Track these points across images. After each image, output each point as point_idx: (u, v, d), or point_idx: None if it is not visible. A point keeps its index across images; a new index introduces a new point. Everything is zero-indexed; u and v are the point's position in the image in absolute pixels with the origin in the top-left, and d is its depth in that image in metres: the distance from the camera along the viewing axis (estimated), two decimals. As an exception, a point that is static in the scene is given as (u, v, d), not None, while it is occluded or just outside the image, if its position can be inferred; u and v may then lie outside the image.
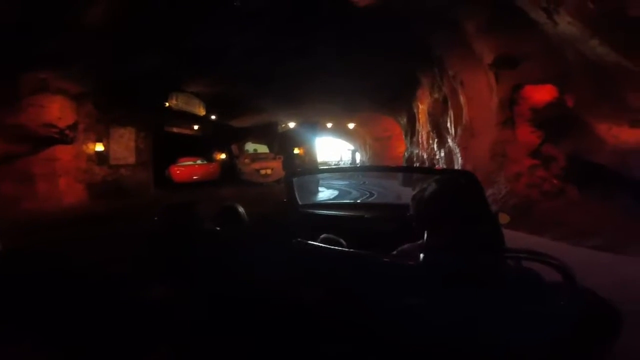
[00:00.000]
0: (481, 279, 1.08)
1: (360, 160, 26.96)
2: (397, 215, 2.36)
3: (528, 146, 6.25)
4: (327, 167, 25.03)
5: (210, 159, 17.47)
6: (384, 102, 15.30)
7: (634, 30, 3.68)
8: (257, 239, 1.81)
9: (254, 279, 1.49)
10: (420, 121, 12.92)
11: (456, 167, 8.38)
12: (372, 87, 12.69)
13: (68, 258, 4.17)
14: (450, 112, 8.89)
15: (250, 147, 22.40)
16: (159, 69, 9.86)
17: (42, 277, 3.38)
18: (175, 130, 15.64)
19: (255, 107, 15.85)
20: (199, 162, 16.23)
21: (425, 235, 1.24)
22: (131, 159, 11.93)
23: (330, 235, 1.79)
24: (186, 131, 16.46)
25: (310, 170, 13.06)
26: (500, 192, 6.36)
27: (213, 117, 16.31)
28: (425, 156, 12.19)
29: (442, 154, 10.08)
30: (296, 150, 20.98)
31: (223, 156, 18.64)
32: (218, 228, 2.10)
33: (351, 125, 22.41)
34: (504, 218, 1.77)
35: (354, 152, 28.61)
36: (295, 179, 2.72)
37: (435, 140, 10.76)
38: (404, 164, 15.32)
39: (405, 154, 15.85)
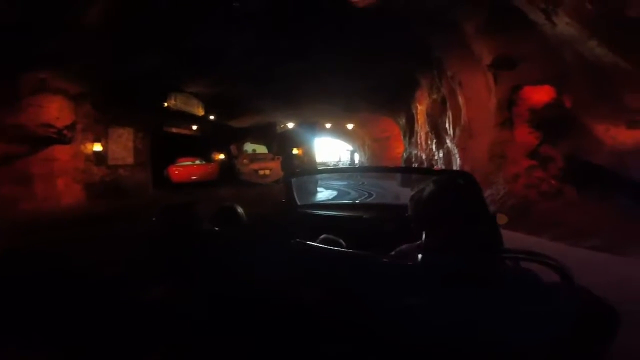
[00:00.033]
0: (479, 279, 1.08)
1: (358, 160, 26.98)
2: (396, 215, 2.36)
3: (526, 147, 6.27)
4: (325, 167, 25.04)
5: (208, 159, 17.46)
6: (383, 103, 15.32)
7: (632, 30, 3.70)
8: (256, 239, 1.81)
9: (252, 279, 1.49)
10: (419, 122, 12.94)
11: (454, 168, 8.40)
12: (371, 87, 12.71)
13: (67, 259, 4.16)
14: (449, 113, 8.91)
15: (249, 147, 22.39)
16: (157, 69, 9.86)
17: (41, 278, 3.37)
18: (174, 130, 15.63)
19: (254, 108, 15.85)
20: (197, 162, 16.21)
21: (424, 235, 1.24)
22: (129, 159, 11.91)
23: (330, 236, 1.79)
24: (185, 131, 16.44)
25: (309, 170, 13.09)
26: (499, 192, 6.37)
27: (212, 117, 16.29)
28: (423, 157, 12.22)
29: (441, 155, 10.10)
30: (295, 151, 20.99)
31: (222, 156, 18.62)
32: (217, 228, 2.10)
33: (350, 126, 22.43)
34: (502, 219, 1.78)
35: (352, 153, 28.65)
36: (294, 180, 2.73)
37: (434, 140, 10.78)
38: (403, 165, 15.34)
39: (404, 154, 15.88)
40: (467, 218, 1.23)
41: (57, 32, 6.83)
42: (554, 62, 5.53)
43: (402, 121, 15.95)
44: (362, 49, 9.24)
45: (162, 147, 13.62)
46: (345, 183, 16.64)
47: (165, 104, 13.06)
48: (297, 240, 1.47)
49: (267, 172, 16.60)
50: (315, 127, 21.85)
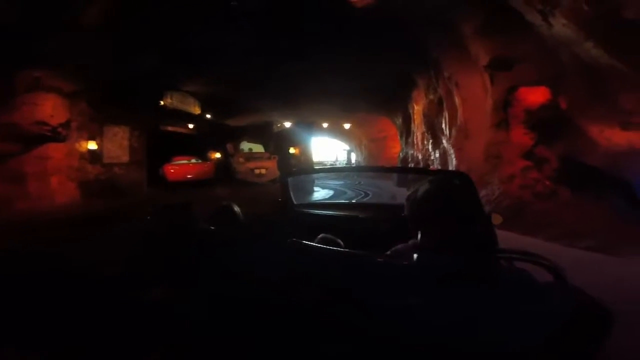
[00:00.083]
0: (475, 279, 1.08)
1: (355, 160, 27.01)
2: (392, 215, 2.36)
3: (522, 148, 6.30)
4: (322, 167, 25.05)
5: (204, 158, 17.39)
6: (380, 103, 15.35)
7: (628, 32, 3.72)
8: (252, 239, 1.80)
9: (249, 279, 1.49)
10: (416, 122, 12.97)
11: (450, 168, 8.43)
12: (369, 87, 12.73)
13: (64, 259, 4.13)
14: (445, 114, 8.94)
15: (245, 146, 22.35)
16: (154, 67, 9.81)
17: (39, 278, 3.36)
18: (169, 128, 15.56)
19: (251, 107, 15.82)
20: (193, 161, 16.14)
21: (419, 235, 1.24)
22: (125, 158, 11.83)
23: (328, 235, 1.79)
24: (181, 130, 16.37)
25: (305, 170, 13.07)
26: (494, 193, 6.40)
27: (208, 116, 16.24)
28: (420, 157, 12.25)
29: (437, 155, 10.13)
30: (292, 150, 20.97)
31: (218, 155, 18.56)
32: (212, 227, 2.09)
33: (347, 126, 22.45)
34: (497, 219, 1.79)
35: (349, 153, 28.66)
36: (290, 179, 2.72)
37: (430, 141, 10.81)
38: (399, 165, 15.38)
39: (401, 154, 15.91)
40: (462, 218, 1.23)
41: (55, 31, 6.81)
42: (550, 63, 5.56)
43: (399, 121, 15.98)
44: (360, 49, 9.25)
45: (158, 146, 13.55)
46: (341, 183, 16.65)
47: (162, 103, 13.00)
48: (294, 239, 1.47)
49: (263, 171, 16.57)
50: (312, 126, 21.85)
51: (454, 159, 8.35)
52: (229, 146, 19.53)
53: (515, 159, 6.34)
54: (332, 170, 23.07)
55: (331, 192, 13.37)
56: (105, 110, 10.70)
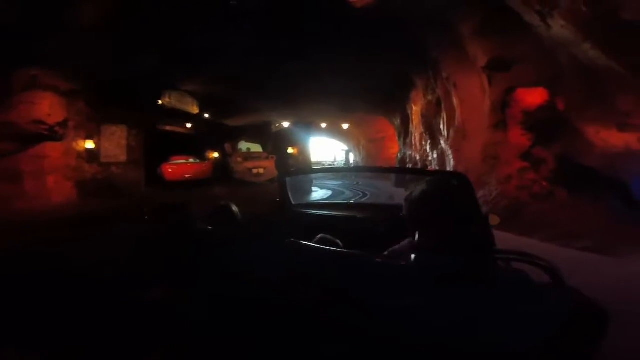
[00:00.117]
0: (472, 279, 1.09)
1: (354, 160, 27.03)
2: (390, 215, 2.37)
3: (519, 148, 6.32)
4: (320, 167, 25.06)
5: (202, 157, 17.36)
6: (379, 104, 15.37)
7: (626, 33, 3.74)
8: (250, 239, 1.80)
9: (247, 279, 1.49)
10: (414, 123, 13.00)
11: (448, 169, 8.45)
12: (367, 88, 12.74)
13: (63, 259, 4.10)
14: (444, 114, 8.96)
15: (243, 146, 22.34)
16: (152, 67, 9.78)
17: (39, 278, 3.34)
18: (168, 128, 15.52)
19: (249, 107, 15.80)
20: (191, 160, 16.11)
21: (417, 235, 1.25)
22: (122, 157, 11.80)
23: (327, 236, 1.79)
24: (179, 129, 16.33)
25: (303, 170, 13.07)
26: (491, 193, 6.42)
27: (206, 115, 16.21)
28: (418, 157, 12.27)
29: (435, 156, 10.15)
30: (290, 150, 20.97)
31: (216, 155, 18.54)
32: (210, 227, 2.09)
33: (345, 126, 22.46)
34: (494, 219, 1.79)
35: (347, 153, 28.68)
36: (288, 179, 2.72)
37: (428, 141, 10.83)
38: (397, 165, 15.40)
39: (399, 155, 15.94)
40: (460, 218, 1.23)
41: (53, 31, 6.80)
42: (547, 64, 5.58)
43: (397, 122, 16.01)
44: (359, 49, 9.26)
45: (155, 145, 13.51)
46: (340, 183, 16.66)
47: (160, 102, 12.96)
48: (292, 239, 1.47)
49: (261, 170, 16.57)
50: (310, 126, 21.86)
51: (452, 160, 8.37)
52: (227, 146, 19.50)
53: (512, 160, 6.36)
54: (331, 171, 23.09)
55: (329, 193, 13.38)
56: (103, 110, 10.66)
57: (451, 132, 8.51)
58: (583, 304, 1.08)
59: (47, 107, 8.57)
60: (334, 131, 24.48)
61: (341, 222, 2.54)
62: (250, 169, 16.59)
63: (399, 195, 8.97)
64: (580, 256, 4.03)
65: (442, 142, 9.46)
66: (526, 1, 4.71)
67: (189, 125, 16.55)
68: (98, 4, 6.86)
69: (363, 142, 24.27)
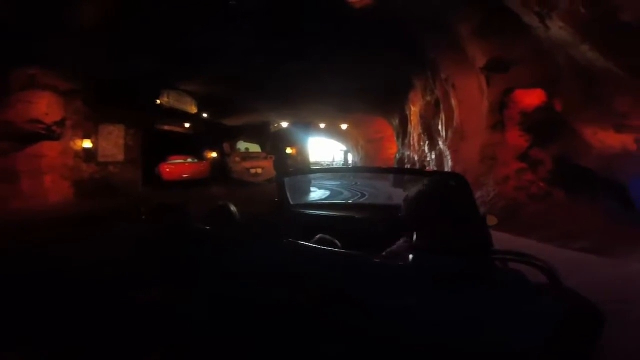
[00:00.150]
0: (469, 279, 1.09)
1: (352, 161, 27.06)
2: (388, 216, 2.37)
3: (517, 149, 6.34)
4: (319, 167, 25.06)
5: (200, 157, 17.34)
6: (377, 104, 15.38)
7: (625, 35, 3.74)
8: (248, 239, 1.80)
9: (245, 279, 1.49)
10: (412, 123, 13.02)
11: (446, 169, 8.47)
12: (366, 88, 12.76)
13: (61, 259, 4.09)
14: (442, 115, 8.98)
15: (242, 145, 22.32)
16: (151, 67, 9.76)
17: (39, 278, 3.34)
18: (166, 127, 15.48)
19: (248, 106, 15.78)
20: (189, 160, 16.09)
21: (414, 236, 1.25)
22: (120, 156, 11.77)
23: (326, 236, 1.79)
24: (177, 129, 16.29)
25: (302, 170, 13.07)
26: (489, 194, 6.44)
27: (205, 115, 16.18)
28: (416, 158, 12.30)
29: (433, 156, 10.17)
30: (288, 150, 20.97)
31: (214, 154, 18.52)
32: (207, 227, 2.08)
33: (344, 126, 22.48)
34: (491, 220, 1.80)
35: (346, 153, 28.71)
36: (287, 179, 2.72)
37: (426, 142, 10.85)
38: (395, 166, 15.42)
39: (397, 155, 15.96)
40: (457, 219, 1.24)
41: (52, 30, 6.78)
42: (545, 65, 5.60)
43: (396, 122, 16.03)
44: (358, 49, 9.27)
45: (153, 145, 13.48)
46: (338, 183, 16.66)
47: (158, 101, 12.93)
48: (290, 239, 1.47)
49: (259, 170, 16.56)
50: (309, 126, 21.86)
51: (450, 160, 8.39)
52: (225, 145, 19.48)
53: (510, 161, 6.38)
54: (329, 171, 23.08)
55: (327, 193, 13.38)
56: (100, 109, 10.62)
57: (449, 132, 8.53)
58: (579, 304, 1.09)
59: (45, 106, 8.54)
60: (333, 131, 24.49)
61: (339, 222, 2.54)
62: (248, 169, 16.58)
63: (397, 196, 8.98)
64: (577, 256, 4.04)
65: (440, 142, 9.48)
66: (525, 2, 4.72)
67: (187, 125, 16.52)
68: (97, 4, 6.85)
69: (361, 143, 24.30)
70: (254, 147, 22.07)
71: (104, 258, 3.47)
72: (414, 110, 12.42)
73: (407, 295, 1.13)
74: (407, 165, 13.32)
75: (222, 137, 19.16)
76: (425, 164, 10.94)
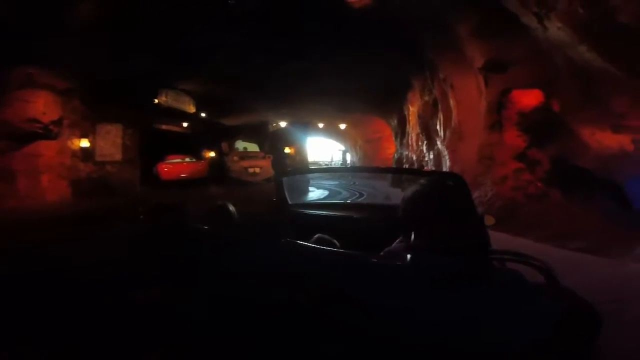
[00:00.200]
0: (467, 279, 1.09)
1: (350, 160, 27.06)
2: (386, 216, 2.37)
3: (514, 150, 6.36)
4: (317, 167, 25.05)
5: (199, 156, 17.32)
6: (376, 104, 15.39)
7: (623, 36, 3.76)
8: (247, 238, 1.80)
9: (244, 278, 1.48)
10: (411, 123, 13.03)
11: (444, 169, 8.49)
12: (365, 88, 12.76)
13: (60, 259, 4.07)
14: (440, 115, 8.99)
15: (240, 145, 22.28)
16: (149, 66, 9.73)
17: (39, 278, 3.33)
18: (164, 127, 15.45)
19: (246, 106, 15.76)
20: (187, 159, 16.06)
21: (413, 235, 1.25)
22: (117, 156, 11.73)
23: (325, 236, 1.79)
24: (175, 128, 16.27)
25: (300, 169, 13.07)
26: (487, 194, 6.45)
27: (203, 114, 16.15)
28: (414, 158, 12.31)
29: (431, 156, 10.19)
30: (287, 150, 20.96)
31: (212, 154, 18.49)
32: (205, 227, 2.08)
33: (342, 126, 22.49)
34: (489, 220, 1.81)
35: (344, 153, 28.72)
36: (285, 179, 2.72)
37: (425, 142, 10.86)
38: (394, 166, 15.43)
39: (395, 155, 15.98)
40: (455, 219, 1.24)
41: (50, 30, 6.77)
42: (543, 66, 5.61)
43: (394, 122, 16.04)
44: (357, 49, 9.27)
45: (151, 144, 13.44)
46: (336, 183, 16.64)
47: (156, 101, 12.90)
48: (288, 239, 1.47)
49: (257, 170, 16.54)
50: (308, 126, 21.85)
51: (448, 160, 8.40)
52: (224, 145, 19.45)
53: (508, 161, 6.40)
54: (327, 171, 23.07)
55: (326, 192, 13.37)
56: (98, 108, 10.59)
57: (447, 132, 8.55)
58: (577, 304, 1.09)
59: (42, 106, 8.51)
60: (331, 131, 24.49)
61: (338, 222, 2.54)
62: (246, 168, 16.56)
63: (396, 195, 8.98)
64: (575, 256, 4.06)
65: (438, 142, 9.49)
66: (523, 3, 4.73)
67: (185, 124, 16.49)
68: (97, 4, 6.83)
69: (360, 142, 24.30)
70: (253, 147, 22.04)
71: (104, 258, 3.46)
72: (413, 111, 12.43)
73: (405, 295, 1.13)
74: (406, 165, 13.33)
75: (220, 136, 19.13)
76: (424, 164, 10.95)
